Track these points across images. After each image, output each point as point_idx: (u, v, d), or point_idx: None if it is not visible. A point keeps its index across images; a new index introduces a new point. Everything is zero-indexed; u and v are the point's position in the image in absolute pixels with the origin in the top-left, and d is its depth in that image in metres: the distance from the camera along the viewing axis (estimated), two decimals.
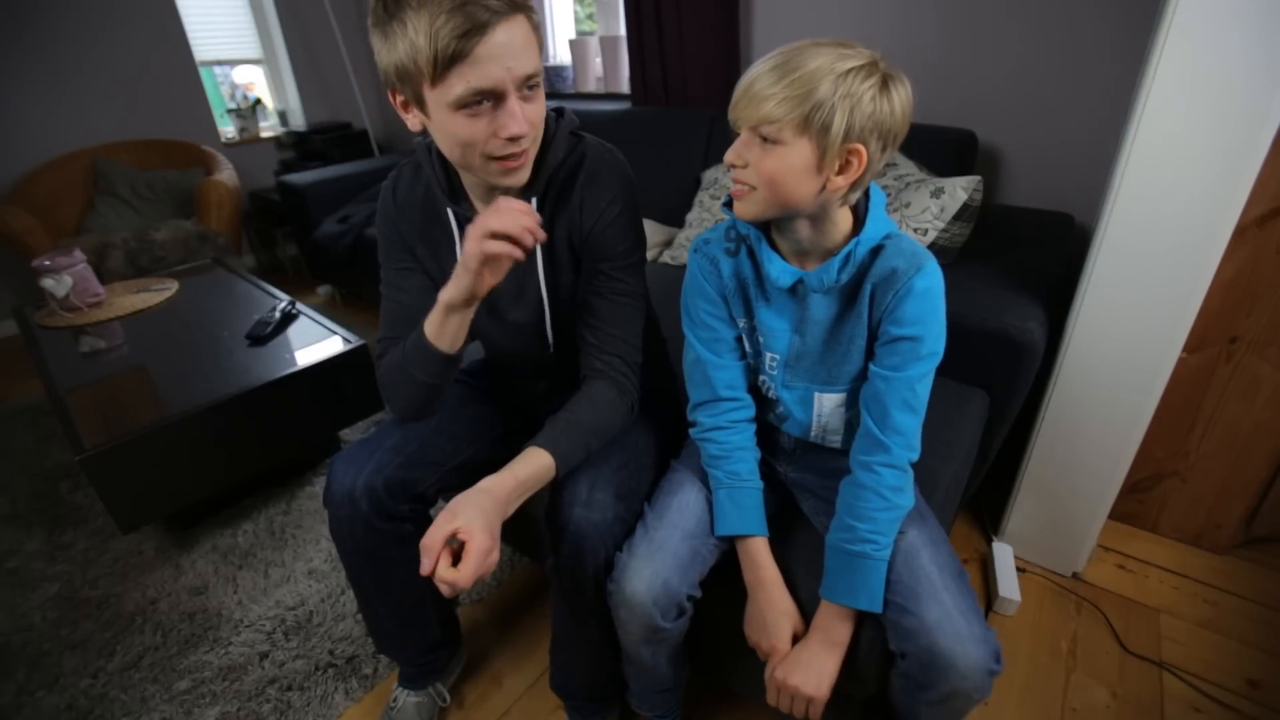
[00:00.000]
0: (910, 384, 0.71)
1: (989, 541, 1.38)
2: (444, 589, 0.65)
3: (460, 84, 0.64)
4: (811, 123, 0.60)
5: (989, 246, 1.41)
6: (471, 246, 0.66)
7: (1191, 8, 0.86)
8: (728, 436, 0.83)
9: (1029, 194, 1.67)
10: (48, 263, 1.70)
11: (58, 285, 1.71)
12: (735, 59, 1.99)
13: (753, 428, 0.85)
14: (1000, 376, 1.14)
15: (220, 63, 3.24)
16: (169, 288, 1.95)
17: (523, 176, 0.74)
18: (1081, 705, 1.07)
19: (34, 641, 1.27)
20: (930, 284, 0.69)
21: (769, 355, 0.80)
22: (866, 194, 0.71)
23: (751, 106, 0.62)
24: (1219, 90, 0.88)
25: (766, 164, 0.63)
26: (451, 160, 0.74)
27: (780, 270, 0.72)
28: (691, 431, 0.87)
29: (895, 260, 0.69)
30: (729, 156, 0.66)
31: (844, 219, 0.70)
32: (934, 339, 0.70)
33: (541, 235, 0.68)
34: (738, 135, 0.66)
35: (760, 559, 0.80)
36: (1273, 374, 1.15)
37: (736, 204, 0.69)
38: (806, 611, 0.79)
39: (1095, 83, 1.48)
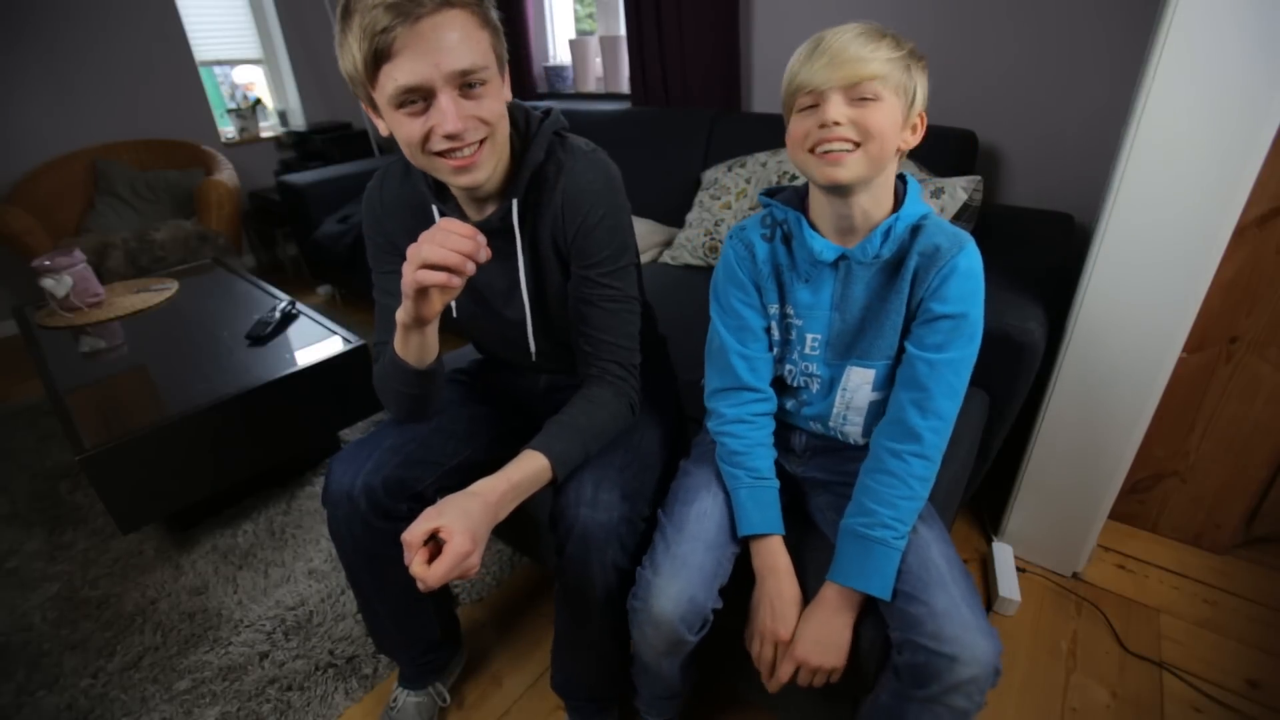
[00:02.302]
0: (955, 367, 0.72)
1: (989, 541, 1.38)
2: (419, 584, 0.66)
3: (389, 82, 0.63)
4: (903, 83, 0.66)
5: (989, 246, 1.38)
6: (406, 275, 0.65)
7: (1191, 8, 0.86)
8: (749, 431, 0.83)
9: (1029, 194, 1.67)
10: (48, 263, 1.70)
11: (58, 285, 1.71)
12: (735, 59, 1.99)
13: (772, 425, 0.86)
14: (1000, 376, 1.14)
15: (220, 63, 3.24)
16: (169, 288, 1.95)
17: (477, 177, 0.72)
18: (1081, 705, 1.07)
19: (34, 641, 1.27)
20: (973, 264, 0.71)
21: (810, 337, 0.80)
22: (903, 179, 0.74)
23: (854, 65, 0.63)
24: (1219, 90, 0.88)
25: (873, 118, 0.65)
26: (411, 161, 0.74)
27: (823, 245, 0.74)
28: (710, 424, 0.86)
29: (937, 238, 0.71)
30: (833, 114, 0.65)
31: (887, 195, 0.73)
32: (976, 319, 0.72)
33: (483, 257, 0.65)
34: (813, 104, 0.66)
35: (777, 551, 0.80)
36: (1273, 374, 1.15)
37: (836, 169, 0.67)
38: None
39: (1095, 83, 1.48)
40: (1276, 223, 1.06)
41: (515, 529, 1.25)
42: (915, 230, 0.73)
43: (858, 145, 0.66)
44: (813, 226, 0.76)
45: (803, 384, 0.84)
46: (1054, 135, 1.58)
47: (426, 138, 0.67)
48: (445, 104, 0.65)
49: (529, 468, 0.76)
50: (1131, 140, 0.96)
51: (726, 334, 0.83)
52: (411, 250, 0.64)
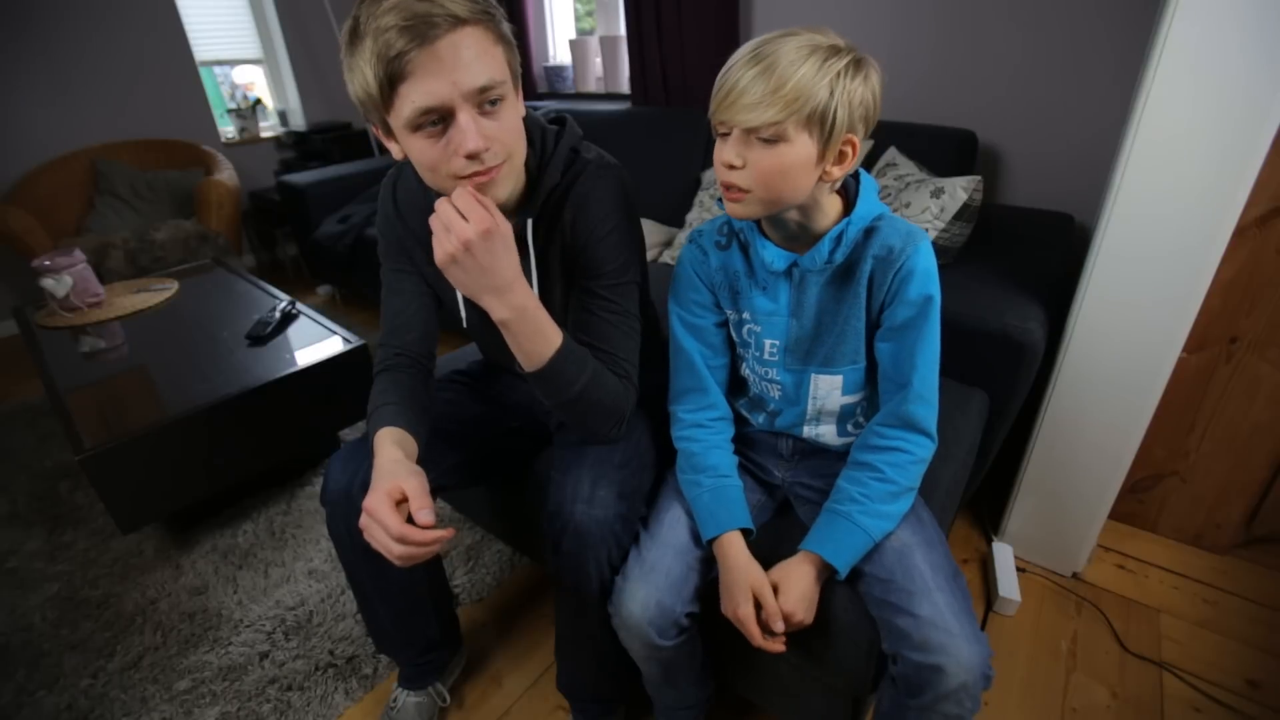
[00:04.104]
0: (926, 338, 0.72)
1: (989, 541, 1.37)
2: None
3: (406, 104, 0.62)
4: (813, 120, 0.61)
5: (989, 246, 1.41)
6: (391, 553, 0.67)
7: (1191, 8, 0.86)
8: (706, 435, 0.84)
9: (1029, 194, 1.67)
10: (48, 263, 1.70)
11: (58, 285, 1.71)
12: None
13: (729, 433, 0.86)
14: (1000, 376, 1.14)
15: (220, 63, 3.24)
16: (169, 288, 1.95)
17: (495, 194, 0.70)
18: (1081, 705, 1.07)
19: (34, 641, 1.27)
20: (930, 264, 0.70)
21: (769, 343, 0.80)
22: (856, 176, 0.73)
23: (747, 111, 0.61)
24: (1219, 90, 0.88)
25: (767, 161, 0.63)
26: (428, 184, 0.72)
27: (774, 255, 0.73)
28: (673, 432, 0.87)
29: (891, 239, 0.70)
30: (728, 156, 0.64)
31: (832, 205, 0.72)
32: (936, 302, 0.71)
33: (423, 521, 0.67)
34: (721, 135, 0.65)
35: (734, 547, 0.77)
36: (1273, 374, 1.15)
37: (733, 207, 0.68)
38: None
39: (1095, 83, 1.48)
40: (1276, 223, 1.06)
41: (515, 528, 1.25)
42: (869, 232, 0.71)
43: (747, 190, 0.65)
44: (765, 234, 0.75)
45: (764, 390, 0.84)
46: (1054, 135, 1.58)
47: (447, 161, 0.66)
48: (465, 122, 0.63)
49: (553, 326, 0.74)
50: (1131, 140, 0.96)
51: (685, 334, 0.84)
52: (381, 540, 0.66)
